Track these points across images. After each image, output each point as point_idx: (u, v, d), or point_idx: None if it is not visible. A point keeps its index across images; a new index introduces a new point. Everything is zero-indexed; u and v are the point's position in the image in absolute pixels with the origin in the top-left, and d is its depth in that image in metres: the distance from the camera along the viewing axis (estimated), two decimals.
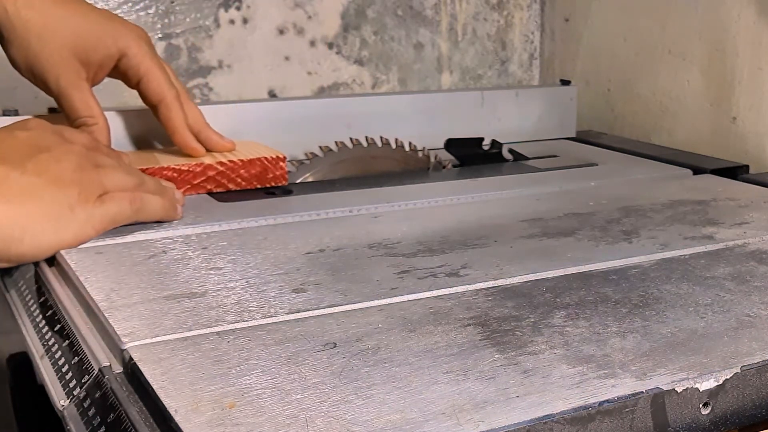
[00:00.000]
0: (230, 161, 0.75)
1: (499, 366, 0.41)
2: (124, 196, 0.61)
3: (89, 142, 0.65)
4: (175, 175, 0.73)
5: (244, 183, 0.76)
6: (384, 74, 1.12)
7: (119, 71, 0.74)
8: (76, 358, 0.45)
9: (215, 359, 0.41)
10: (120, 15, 0.96)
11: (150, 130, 0.81)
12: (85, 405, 0.41)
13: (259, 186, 0.76)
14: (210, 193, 0.74)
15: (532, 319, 0.46)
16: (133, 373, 0.41)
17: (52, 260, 0.58)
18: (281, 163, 0.77)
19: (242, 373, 0.40)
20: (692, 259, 0.57)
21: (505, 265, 0.55)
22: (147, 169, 0.72)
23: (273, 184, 0.77)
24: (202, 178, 0.74)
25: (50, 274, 0.57)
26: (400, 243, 0.60)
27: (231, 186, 0.76)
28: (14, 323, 0.55)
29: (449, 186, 0.80)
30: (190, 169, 0.74)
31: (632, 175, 0.83)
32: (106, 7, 0.96)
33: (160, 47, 0.99)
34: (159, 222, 0.64)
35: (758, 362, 0.41)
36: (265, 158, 0.77)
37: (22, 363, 0.53)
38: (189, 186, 0.74)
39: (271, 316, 0.47)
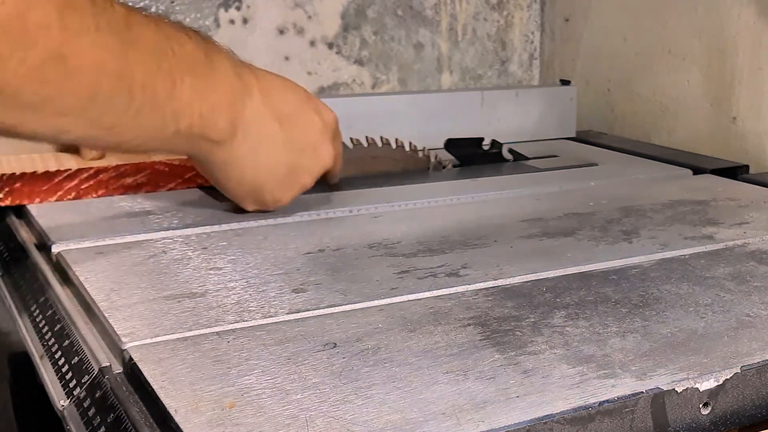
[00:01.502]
0: None
1: (499, 366, 0.41)
2: (337, 137, 0.69)
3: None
4: (166, 169, 0.74)
5: None
6: (384, 74, 1.12)
7: None
8: (76, 358, 0.45)
9: (215, 359, 0.41)
10: None
11: None
12: (85, 405, 0.41)
13: None
14: (210, 193, 0.74)
15: (532, 319, 0.46)
16: (133, 373, 0.41)
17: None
18: None
19: (242, 373, 0.40)
20: (692, 259, 0.57)
21: (505, 265, 0.55)
22: (139, 163, 0.72)
23: None
24: (193, 173, 0.75)
25: (50, 274, 0.57)
26: (400, 243, 0.60)
27: None
28: (14, 323, 0.55)
29: (449, 186, 0.80)
30: (181, 164, 0.74)
31: (632, 175, 0.83)
32: None
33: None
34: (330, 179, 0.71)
35: (758, 362, 0.41)
36: None
37: (22, 363, 0.53)
38: (180, 180, 0.75)
39: (271, 316, 0.47)
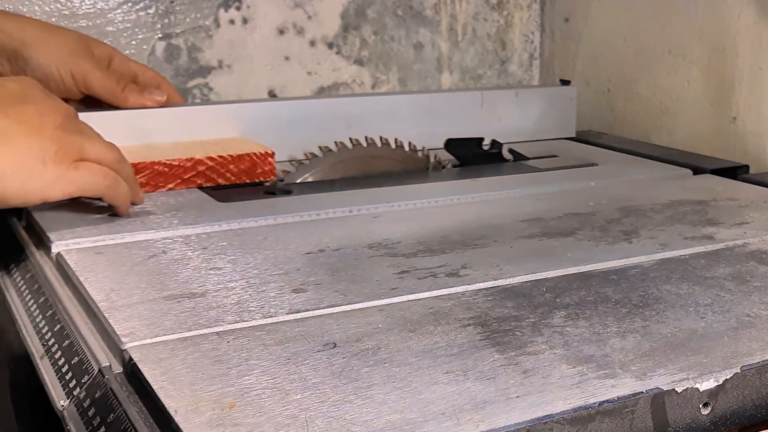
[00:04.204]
0: (220, 156, 0.76)
1: (499, 366, 0.41)
2: (100, 170, 0.61)
3: (72, 110, 0.64)
4: (165, 169, 0.74)
5: (233, 178, 0.77)
6: (384, 74, 1.12)
7: None
8: (76, 358, 0.45)
9: (215, 359, 0.41)
10: (120, 15, 0.97)
11: (146, 129, 0.81)
12: (85, 405, 0.41)
13: (248, 181, 0.77)
14: (210, 193, 0.74)
15: (532, 319, 0.46)
16: (133, 373, 0.41)
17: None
18: (270, 159, 0.78)
19: (242, 373, 0.40)
20: (692, 259, 0.57)
21: (505, 265, 0.55)
22: (138, 163, 0.73)
23: (262, 179, 0.78)
24: (192, 173, 0.75)
25: (50, 274, 0.57)
26: (400, 243, 0.60)
27: (221, 180, 0.77)
28: (14, 323, 0.55)
29: (449, 186, 0.80)
30: (181, 164, 0.75)
31: (632, 175, 0.83)
32: (106, 7, 0.96)
33: (160, 47, 0.99)
34: (110, 209, 0.64)
35: (758, 362, 0.41)
36: (254, 154, 0.78)
37: (22, 363, 0.53)
38: (179, 180, 0.75)
39: (271, 316, 0.47)
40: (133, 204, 0.67)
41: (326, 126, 0.89)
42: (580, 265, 0.55)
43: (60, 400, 0.43)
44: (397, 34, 1.12)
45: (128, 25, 0.97)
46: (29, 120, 0.58)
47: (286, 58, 1.06)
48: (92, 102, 0.82)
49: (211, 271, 0.54)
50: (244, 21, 1.03)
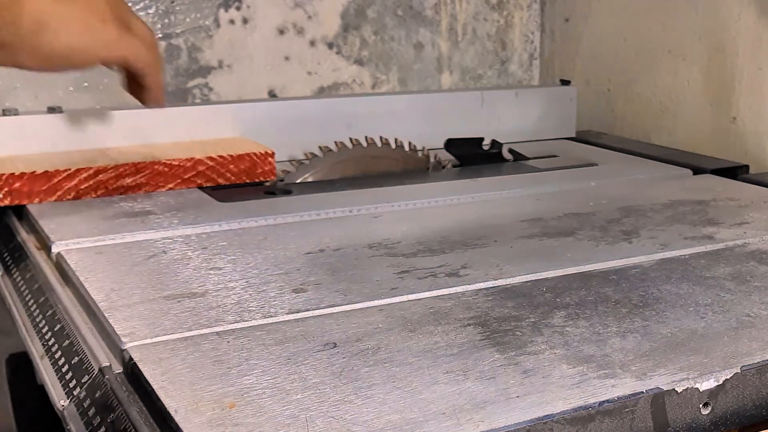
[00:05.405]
0: (220, 156, 0.76)
1: (499, 366, 0.41)
2: (150, 42, 0.63)
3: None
4: (166, 169, 0.74)
5: (233, 178, 0.77)
6: (384, 74, 1.12)
7: None
8: (76, 358, 0.45)
9: (215, 359, 0.41)
10: None
11: (146, 129, 0.81)
12: (85, 405, 0.41)
13: (248, 181, 0.77)
14: (210, 193, 0.74)
15: (532, 319, 0.46)
16: (133, 373, 0.41)
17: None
18: (270, 159, 0.78)
19: (242, 373, 0.40)
20: (692, 259, 0.57)
21: (505, 265, 0.55)
22: (138, 163, 0.73)
23: (262, 179, 0.78)
24: (193, 173, 0.75)
25: (50, 274, 0.57)
26: (400, 243, 0.60)
27: (221, 180, 0.77)
28: (14, 323, 0.55)
29: (449, 186, 0.80)
30: (181, 164, 0.75)
31: (632, 175, 0.83)
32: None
33: (160, 47, 0.99)
34: (144, 95, 0.65)
35: (758, 362, 0.41)
36: (254, 153, 0.78)
37: (22, 363, 0.53)
38: (180, 180, 0.75)
39: (271, 316, 0.47)
40: (155, 103, 0.67)
41: (326, 126, 0.89)
42: (580, 265, 0.55)
43: (60, 400, 0.43)
44: (397, 34, 1.12)
45: None
46: None
47: (286, 58, 1.06)
48: None
49: (211, 271, 0.54)
50: (244, 21, 1.03)
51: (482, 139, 0.93)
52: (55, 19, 0.57)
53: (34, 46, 0.57)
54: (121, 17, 0.62)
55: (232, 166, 0.77)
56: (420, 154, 0.88)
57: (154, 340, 0.44)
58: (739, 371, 0.41)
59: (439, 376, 0.40)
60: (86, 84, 0.94)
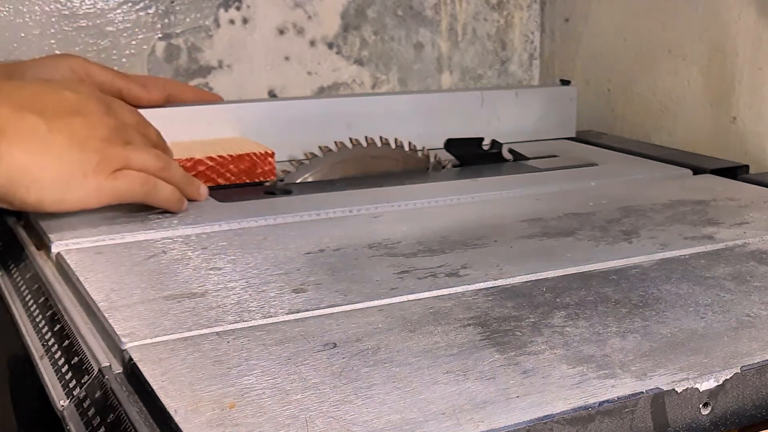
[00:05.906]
0: (220, 156, 0.76)
1: (499, 366, 0.41)
2: (138, 177, 0.62)
3: (130, 119, 0.67)
4: None
5: (233, 178, 0.77)
6: (384, 74, 1.12)
7: None
8: (76, 358, 0.45)
9: (215, 359, 0.41)
10: (120, 15, 0.97)
11: None
12: (85, 405, 0.41)
13: (248, 181, 0.77)
14: (210, 193, 0.74)
15: (532, 319, 0.46)
16: (133, 373, 0.41)
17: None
18: (270, 159, 0.78)
19: (242, 373, 0.40)
20: (692, 259, 0.57)
21: (505, 265, 0.55)
22: None
23: (262, 179, 0.78)
24: (192, 173, 0.75)
25: (50, 274, 0.57)
26: (400, 243, 0.60)
27: (220, 180, 0.77)
28: (14, 323, 0.55)
29: (449, 186, 0.80)
30: (181, 164, 0.74)
31: (632, 175, 0.83)
32: (106, 7, 0.96)
33: (160, 47, 0.99)
34: (164, 211, 0.66)
35: (758, 362, 0.41)
36: (254, 153, 0.78)
37: (22, 363, 0.53)
38: None
39: (271, 316, 0.47)
40: (194, 200, 0.69)
41: (326, 126, 0.89)
42: (580, 265, 0.55)
43: (60, 400, 0.43)
44: (397, 34, 1.12)
45: (128, 25, 0.97)
46: (75, 132, 0.60)
47: (286, 58, 1.06)
48: None
49: (211, 271, 0.54)
50: (244, 21, 1.03)
51: (482, 139, 0.93)
52: (28, 176, 0.57)
53: (6, 200, 0.58)
54: (111, 159, 0.60)
55: (231, 166, 0.77)
56: (420, 154, 0.88)
57: (154, 340, 0.44)
58: (739, 371, 0.41)
59: (439, 376, 0.40)
60: None
